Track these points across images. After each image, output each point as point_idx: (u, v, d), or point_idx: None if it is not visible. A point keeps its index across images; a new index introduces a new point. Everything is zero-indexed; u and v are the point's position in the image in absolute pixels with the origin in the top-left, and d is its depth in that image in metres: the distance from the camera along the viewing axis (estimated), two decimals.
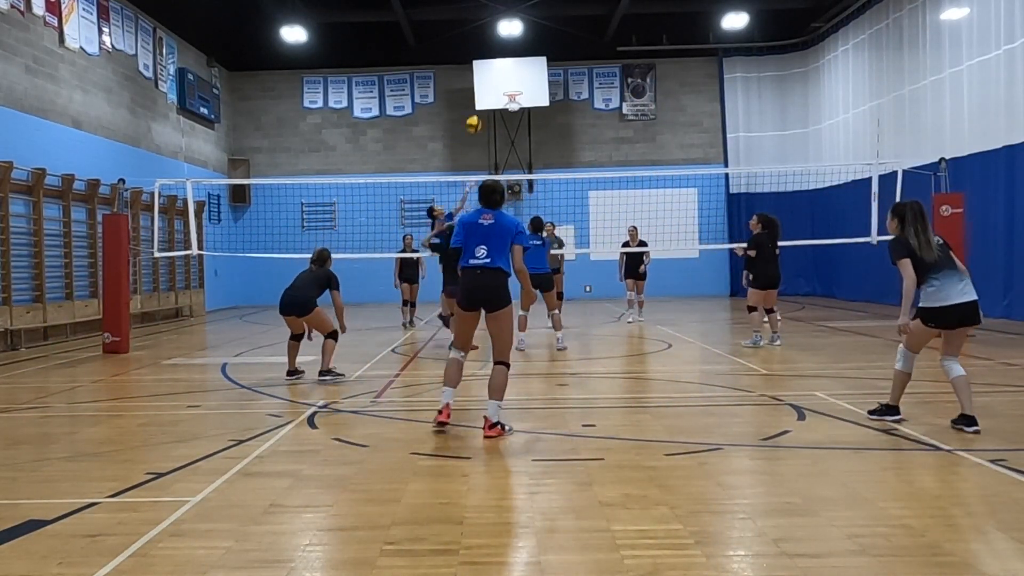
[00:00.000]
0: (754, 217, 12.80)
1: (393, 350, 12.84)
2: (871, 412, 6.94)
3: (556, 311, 12.85)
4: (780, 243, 12.46)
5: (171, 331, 17.75)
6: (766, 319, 12.39)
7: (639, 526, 4.32)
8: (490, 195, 6.87)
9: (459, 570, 3.78)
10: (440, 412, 6.67)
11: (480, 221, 6.72)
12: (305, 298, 9.78)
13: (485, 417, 6.50)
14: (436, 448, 6.17)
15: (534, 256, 10.70)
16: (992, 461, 5.41)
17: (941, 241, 6.68)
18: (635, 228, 16.40)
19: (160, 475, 5.47)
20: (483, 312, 6.66)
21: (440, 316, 14.12)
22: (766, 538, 4.12)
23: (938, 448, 5.83)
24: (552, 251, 14.77)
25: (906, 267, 6.53)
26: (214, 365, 11.42)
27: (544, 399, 8.33)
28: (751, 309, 12.31)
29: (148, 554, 4.04)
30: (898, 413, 6.80)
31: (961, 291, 6.54)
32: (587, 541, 4.14)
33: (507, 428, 6.53)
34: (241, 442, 6.41)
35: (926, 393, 8.32)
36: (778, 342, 12.16)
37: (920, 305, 6.72)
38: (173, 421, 7.47)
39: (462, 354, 6.82)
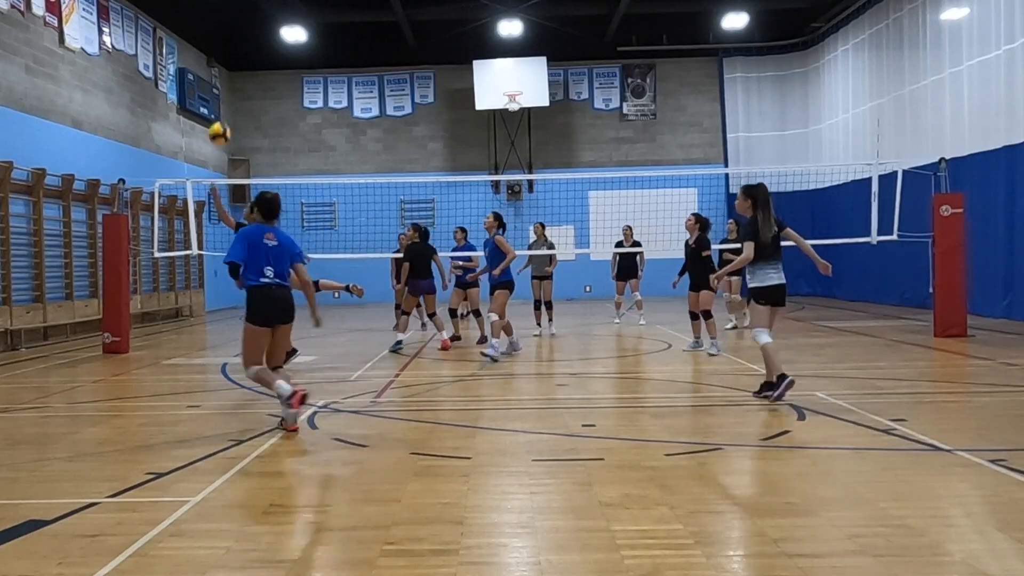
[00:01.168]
0: (692, 217, 12.14)
1: (393, 350, 12.82)
2: (756, 393, 7.73)
3: (493, 315, 11.50)
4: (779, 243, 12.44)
5: (171, 331, 17.76)
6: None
7: (639, 526, 4.32)
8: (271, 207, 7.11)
9: (459, 570, 3.78)
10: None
11: (264, 241, 6.88)
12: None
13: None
14: (436, 448, 6.17)
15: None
16: (992, 461, 5.41)
17: (776, 230, 7.78)
18: (629, 228, 16.30)
19: (160, 475, 5.47)
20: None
21: (450, 310, 14.30)
22: (766, 538, 4.12)
23: (938, 448, 5.83)
24: (542, 253, 14.70)
25: (749, 248, 7.64)
26: (214, 365, 11.42)
27: (544, 399, 8.33)
28: (709, 314, 11.64)
29: (148, 554, 4.04)
30: (785, 378, 7.45)
31: (777, 275, 7.74)
32: (587, 541, 4.14)
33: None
34: (241, 442, 6.41)
35: (926, 393, 8.32)
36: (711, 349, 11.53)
37: (750, 286, 7.78)
38: (173, 421, 7.47)
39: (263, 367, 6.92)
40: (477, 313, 14.02)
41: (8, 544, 4.21)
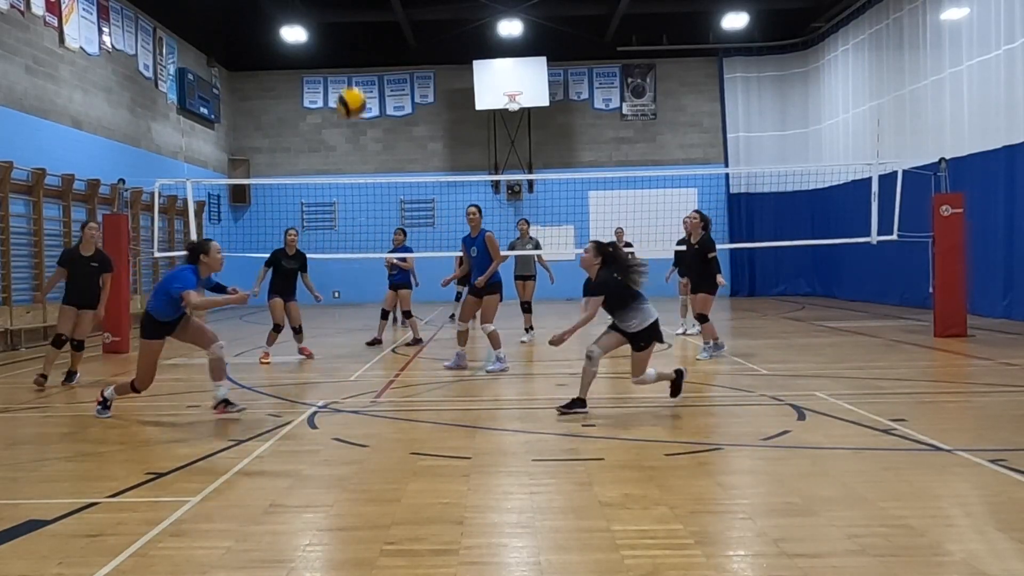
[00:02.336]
0: (697, 215, 11.33)
1: (393, 350, 12.84)
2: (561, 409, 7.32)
3: (489, 326, 10.42)
4: (780, 243, 12.38)
5: None
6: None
7: (639, 526, 4.32)
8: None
9: (459, 570, 3.78)
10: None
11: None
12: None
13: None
14: (436, 448, 6.18)
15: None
16: (992, 461, 5.41)
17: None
18: (621, 229, 16.02)
19: (160, 475, 5.46)
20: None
21: (451, 316, 14.40)
22: (766, 538, 4.12)
23: (938, 448, 5.83)
24: (525, 252, 14.29)
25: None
26: None
27: (544, 399, 8.32)
28: (706, 318, 11.04)
29: (148, 554, 4.04)
30: (583, 404, 7.29)
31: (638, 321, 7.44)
32: (587, 541, 4.14)
33: (237, 407, 7.54)
34: (241, 442, 6.41)
35: (926, 393, 8.32)
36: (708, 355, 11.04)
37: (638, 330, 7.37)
38: (173, 421, 7.47)
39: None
40: (408, 315, 13.82)
41: (8, 544, 4.21)
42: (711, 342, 11.02)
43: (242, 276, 24.75)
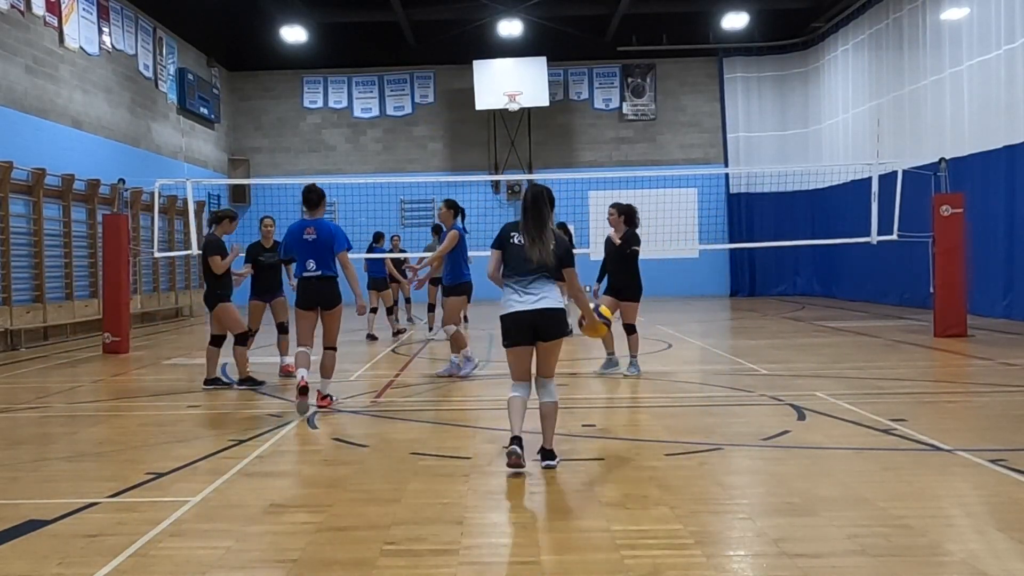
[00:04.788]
0: (614, 210, 9.77)
1: (393, 350, 12.84)
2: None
3: (451, 327, 9.83)
4: (780, 243, 12.24)
5: (171, 331, 17.76)
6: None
7: (639, 526, 4.32)
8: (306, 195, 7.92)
9: (459, 570, 3.78)
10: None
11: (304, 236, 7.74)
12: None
13: (318, 391, 7.77)
14: (436, 448, 6.18)
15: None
16: (992, 461, 5.41)
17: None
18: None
19: (160, 475, 5.46)
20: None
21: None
22: (766, 538, 4.12)
23: (938, 448, 5.83)
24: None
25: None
26: None
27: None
28: (633, 329, 9.71)
29: (148, 554, 4.04)
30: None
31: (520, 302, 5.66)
32: (587, 541, 4.14)
33: (334, 398, 7.98)
34: (241, 442, 6.41)
35: (926, 393, 8.32)
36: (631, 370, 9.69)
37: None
38: (173, 421, 7.47)
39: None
40: (390, 311, 15.03)
41: (8, 544, 4.21)
42: (636, 356, 9.64)
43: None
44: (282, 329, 10.23)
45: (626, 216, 9.60)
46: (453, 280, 9.84)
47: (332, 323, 7.80)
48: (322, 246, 7.68)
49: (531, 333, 5.39)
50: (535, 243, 5.40)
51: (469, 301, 10.20)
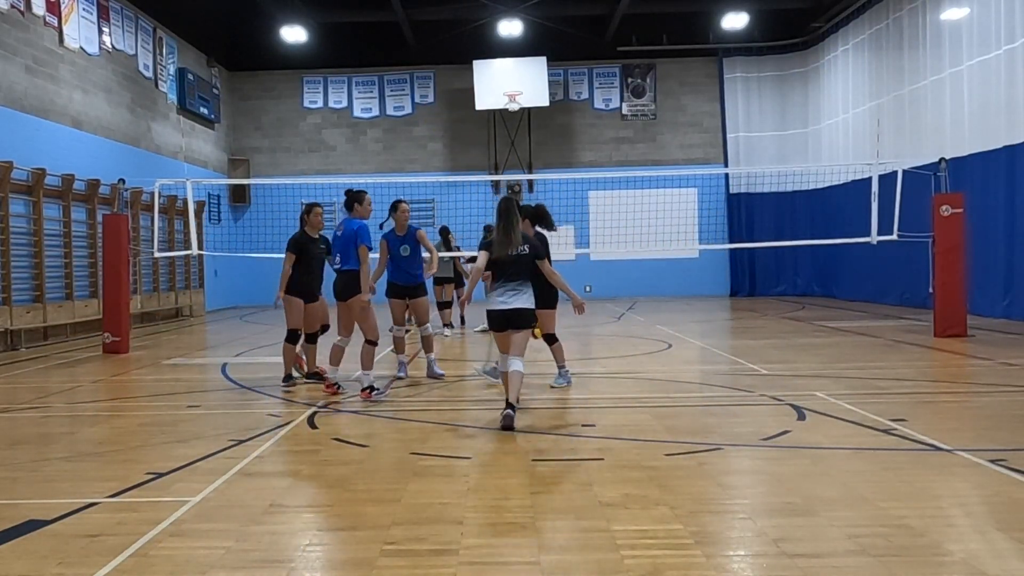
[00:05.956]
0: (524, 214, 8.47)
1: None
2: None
3: (427, 327, 9.92)
4: (780, 243, 12.20)
5: (171, 331, 17.75)
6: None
7: (639, 526, 4.32)
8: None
9: (459, 570, 3.78)
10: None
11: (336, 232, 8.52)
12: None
13: (332, 382, 8.52)
14: (436, 448, 6.18)
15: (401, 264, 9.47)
16: (992, 461, 5.41)
17: (520, 253, 7.21)
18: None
19: (160, 475, 5.46)
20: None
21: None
22: (766, 538, 4.12)
23: (938, 448, 5.83)
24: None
25: (482, 257, 7.33)
26: (214, 365, 11.42)
27: (544, 399, 8.32)
28: (554, 338, 9.08)
29: (148, 554, 4.04)
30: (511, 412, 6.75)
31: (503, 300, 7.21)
32: (587, 541, 4.14)
33: (376, 391, 8.29)
34: (241, 442, 6.41)
35: (926, 393, 8.32)
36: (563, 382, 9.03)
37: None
38: (173, 421, 7.47)
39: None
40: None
41: (8, 544, 4.21)
42: (563, 366, 9.01)
43: (243, 276, 24.86)
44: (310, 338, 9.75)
45: (530, 218, 8.62)
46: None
47: (356, 316, 8.40)
48: (347, 242, 8.42)
49: (506, 324, 7.12)
50: (504, 242, 7.14)
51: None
